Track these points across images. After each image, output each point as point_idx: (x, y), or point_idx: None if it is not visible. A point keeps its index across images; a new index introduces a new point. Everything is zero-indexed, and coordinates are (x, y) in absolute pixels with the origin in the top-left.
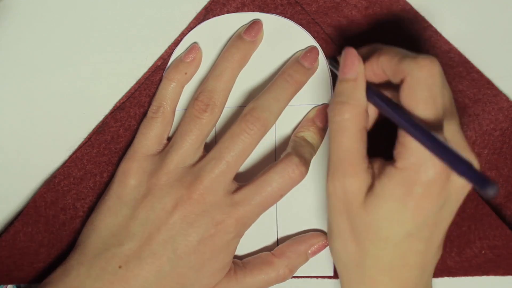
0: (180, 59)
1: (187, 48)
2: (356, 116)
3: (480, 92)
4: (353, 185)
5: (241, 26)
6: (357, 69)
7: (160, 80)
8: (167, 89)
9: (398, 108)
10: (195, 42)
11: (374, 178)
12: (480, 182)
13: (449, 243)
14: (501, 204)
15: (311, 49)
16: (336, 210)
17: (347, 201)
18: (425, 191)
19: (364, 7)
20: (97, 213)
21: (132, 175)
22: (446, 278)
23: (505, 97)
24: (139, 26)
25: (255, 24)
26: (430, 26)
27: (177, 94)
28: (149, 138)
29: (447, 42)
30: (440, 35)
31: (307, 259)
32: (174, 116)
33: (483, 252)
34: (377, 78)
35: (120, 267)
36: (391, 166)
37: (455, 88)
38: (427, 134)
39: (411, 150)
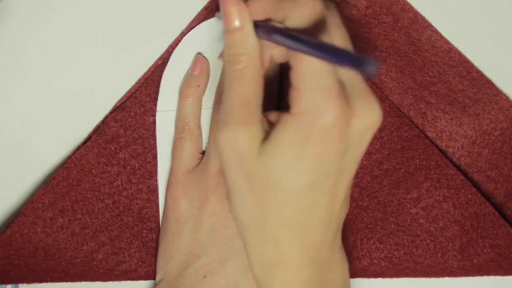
0: (189, 74)
1: (192, 61)
2: (252, 65)
3: (480, 92)
4: (246, 135)
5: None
6: (241, 17)
7: (160, 79)
8: (185, 107)
9: (286, 32)
10: (199, 53)
11: (270, 128)
12: (359, 63)
13: (451, 242)
14: (501, 204)
15: None
16: (231, 164)
17: (241, 152)
18: (324, 137)
19: (364, 7)
20: (164, 245)
21: (180, 195)
22: (447, 278)
23: (505, 97)
24: (139, 26)
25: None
26: (430, 26)
27: (197, 109)
28: (183, 157)
29: (447, 42)
30: (440, 35)
31: None
32: (201, 130)
33: (485, 250)
34: (261, 16)
35: (204, 276)
36: (286, 114)
37: (455, 88)
38: (309, 41)
39: (306, 93)
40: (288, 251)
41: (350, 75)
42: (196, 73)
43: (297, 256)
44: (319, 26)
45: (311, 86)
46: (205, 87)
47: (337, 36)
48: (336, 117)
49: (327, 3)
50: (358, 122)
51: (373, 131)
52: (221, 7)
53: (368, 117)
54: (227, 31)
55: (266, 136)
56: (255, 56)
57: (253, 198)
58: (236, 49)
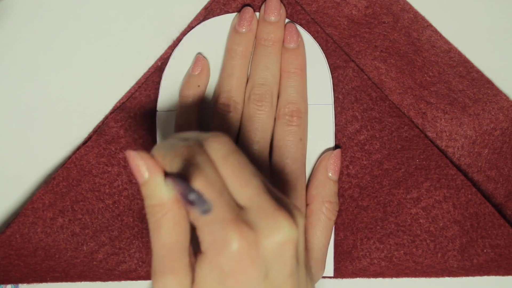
0: (189, 74)
1: (193, 61)
2: (169, 214)
3: (480, 92)
4: (173, 284)
5: (234, 18)
6: (149, 169)
7: (160, 80)
8: (185, 107)
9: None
10: (199, 53)
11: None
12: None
13: (451, 242)
14: (501, 204)
15: (269, 1)
16: None
17: None
18: (236, 265)
19: (364, 7)
20: None
21: None
22: (447, 278)
23: (505, 97)
24: (139, 26)
25: (245, 14)
26: (430, 26)
27: (197, 108)
28: None
29: (447, 42)
30: (440, 35)
31: (335, 183)
32: (200, 130)
33: (485, 250)
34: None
35: None
36: (199, 254)
37: (455, 88)
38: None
39: (205, 229)
40: None
41: (250, 198)
42: (197, 73)
43: None
44: (190, 169)
45: (206, 222)
46: (205, 87)
47: (225, 168)
48: (240, 243)
49: (210, 140)
50: (268, 241)
51: (291, 245)
52: (128, 162)
53: (277, 233)
54: (140, 184)
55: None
56: (170, 205)
57: None
58: (150, 200)
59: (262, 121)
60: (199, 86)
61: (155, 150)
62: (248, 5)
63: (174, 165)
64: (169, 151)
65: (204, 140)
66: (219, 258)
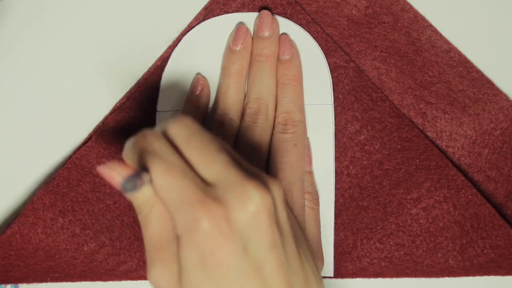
0: (189, 96)
1: (193, 81)
2: (153, 206)
3: (480, 92)
4: (162, 272)
5: (229, 36)
6: (122, 177)
7: (160, 80)
8: None
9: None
10: (198, 73)
11: None
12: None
13: (451, 242)
14: (501, 204)
15: (262, 14)
16: None
17: None
18: (211, 244)
19: (364, 6)
20: None
21: None
22: (447, 278)
23: (505, 97)
24: (139, 26)
25: (239, 32)
26: (430, 26)
27: None
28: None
29: (447, 42)
30: (440, 35)
31: (310, 173)
32: None
33: (485, 251)
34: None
35: None
36: (178, 239)
37: (455, 88)
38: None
39: (174, 214)
40: None
41: (218, 174)
42: (197, 93)
43: None
44: (146, 157)
45: (174, 206)
46: (206, 107)
47: (189, 150)
48: (210, 221)
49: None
50: (239, 214)
51: (265, 213)
52: (103, 177)
53: (248, 204)
54: (121, 191)
55: None
56: (154, 200)
57: None
58: (136, 201)
59: (257, 132)
60: (198, 107)
61: (123, 153)
62: (241, 19)
63: (136, 160)
64: (129, 148)
65: (165, 126)
66: (194, 239)
